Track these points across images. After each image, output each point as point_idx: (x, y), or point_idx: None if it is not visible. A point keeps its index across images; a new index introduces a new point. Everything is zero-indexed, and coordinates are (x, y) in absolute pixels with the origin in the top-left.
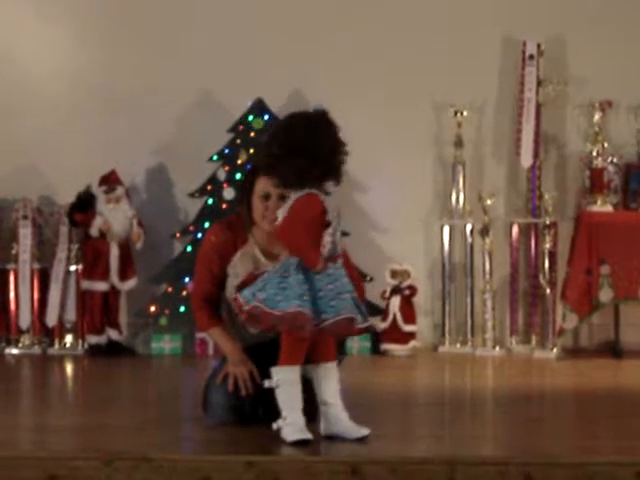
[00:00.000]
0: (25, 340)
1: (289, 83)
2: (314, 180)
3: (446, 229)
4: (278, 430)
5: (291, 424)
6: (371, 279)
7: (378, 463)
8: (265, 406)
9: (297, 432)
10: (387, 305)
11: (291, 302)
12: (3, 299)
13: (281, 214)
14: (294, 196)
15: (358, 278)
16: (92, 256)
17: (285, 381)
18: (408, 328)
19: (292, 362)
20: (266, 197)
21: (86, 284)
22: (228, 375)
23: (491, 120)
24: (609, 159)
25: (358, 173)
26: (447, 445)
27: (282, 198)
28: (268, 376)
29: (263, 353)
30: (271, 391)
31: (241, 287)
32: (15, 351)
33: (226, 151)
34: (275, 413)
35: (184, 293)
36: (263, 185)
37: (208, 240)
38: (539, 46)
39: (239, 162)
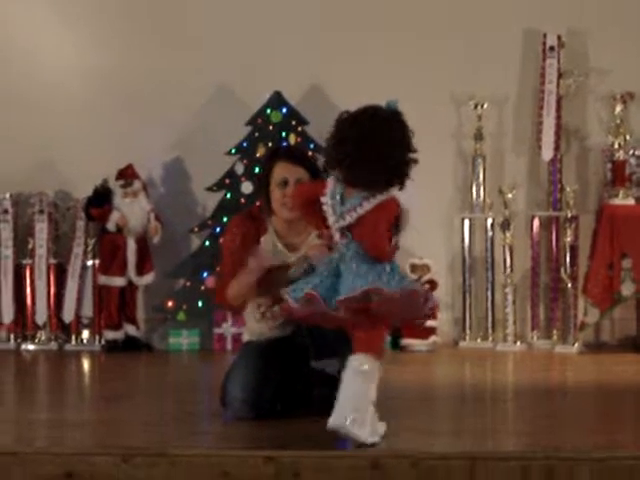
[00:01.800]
0: (42, 336)
1: (307, 76)
2: (385, 184)
3: (466, 223)
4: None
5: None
6: None
7: (398, 458)
8: (283, 401)
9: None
10: None
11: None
12: (19, 294)
13: (354, 216)
14: (371, 199)
15: None
16: (109, 251)
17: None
18: (428, 323)
19: (372, 352)
20: (284, 184)
21: (103, 279)
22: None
23: (512, 113)
24: (631, 152)
25: None
26: (468, 440)
27: (300, 183)
28: (286, 370)
29: (280, 346)
30: (290, 386)
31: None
32: (32, 347)
33: (244, 144)
34: (293, 408)
35: (202, 288)
36: (280, 171)
37: (230, 233)
38: (560, 38)
39: (257, 155)
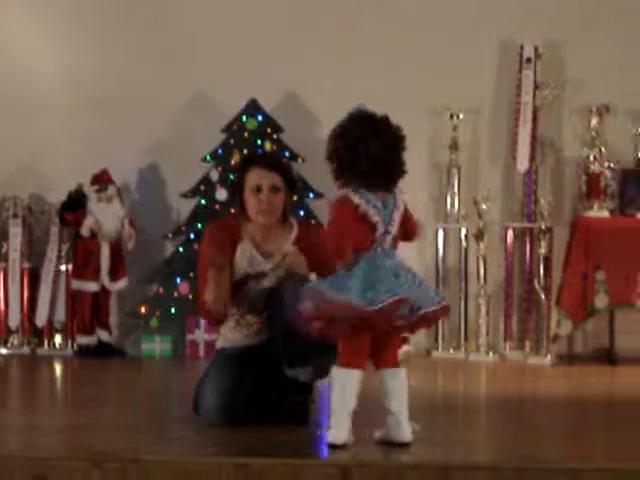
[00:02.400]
0: (14, 340)
1: (283, 84)
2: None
3: (441, 233)
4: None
5: (335, 427)
6: None
7: (368, 467)
8: (257, 408)
9: (340, 435)
10: None
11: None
12: None
13: (399, 216)
14: (397, 195)
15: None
16: (83, 256)
17: (340, 383)
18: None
19: (350, 364)
20: (258, 189)
21: (76, 284)
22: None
23: (487, 123)
24: (606, 164)
25: None
26: (439, 450)
27: (274, 189)
28: (260, 376)
29: (254, 353)
30: (264, 393)
31: (235, 286)
32: (4, 351)
33: (219, 151)
34: (267, 415)
35: (175, 294)
36: (254, 178)
37: (208, 237)
38: (536, 49)
39: (232, 163)
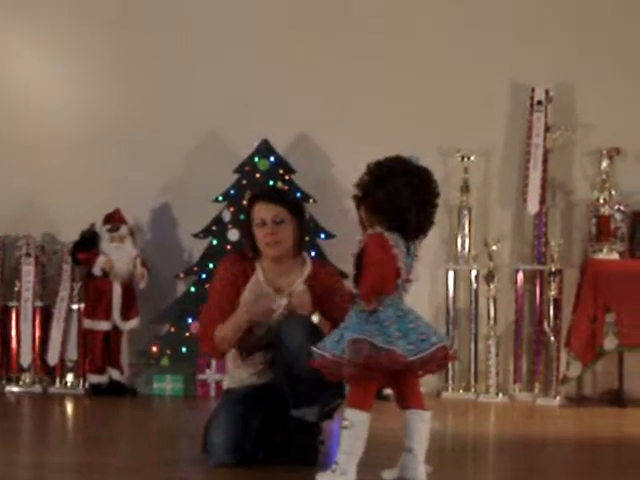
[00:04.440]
0: (26, 378)
1: (295, 125)
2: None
3: (451, 274)
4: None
5: (337, 470)
6: None
7: None
8: (265, 448)
9: (337, 477)
10: None
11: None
12: (4, 337)
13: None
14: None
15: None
16: (94, 295)
17: (353, 425)
18: None
19: (363, 406)
20: (263, 223)
21: (88, 323)
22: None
23: (498, 165)
24: (616, 207)
25: None
26: None
27: (278, 221)
28: (268, 416)
29: (261, 393)
30: (271, 433)
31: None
32: (15, 389)
33: (231, 192)
34: (275, 455)
35: (187, 334)
36: (258, 212)
37: (221, 271)
38: (547, 92)
39: (244, 203)
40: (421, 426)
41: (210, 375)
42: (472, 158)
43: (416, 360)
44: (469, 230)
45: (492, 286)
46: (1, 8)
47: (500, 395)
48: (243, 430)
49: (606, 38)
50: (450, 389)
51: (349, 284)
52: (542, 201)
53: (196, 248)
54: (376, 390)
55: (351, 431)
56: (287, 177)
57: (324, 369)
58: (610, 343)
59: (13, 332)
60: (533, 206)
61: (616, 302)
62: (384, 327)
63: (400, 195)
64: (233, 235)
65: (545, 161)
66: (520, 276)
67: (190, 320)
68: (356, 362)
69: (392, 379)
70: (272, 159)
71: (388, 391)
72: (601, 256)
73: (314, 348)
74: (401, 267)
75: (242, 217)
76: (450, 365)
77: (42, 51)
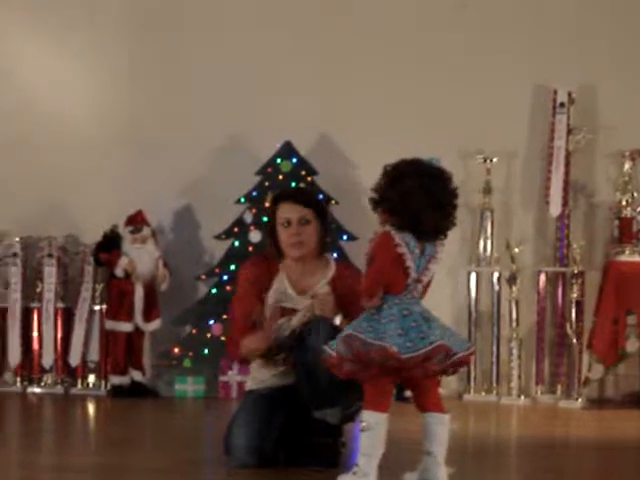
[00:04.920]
0: (48, 379)
1: (318, 126)
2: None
3: (473, 276)
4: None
5: (358, 472)
6: None
7: None
8: (287, 450)
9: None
10: None
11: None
12: (27, 338)
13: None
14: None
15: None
16: (117, 296)
17: (370, 426)
18: None
19: (379, 407)
20: (288, 223)
21: (110, 324)
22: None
23: (520, 168)
24: (638, 209)
25: None
26: None
27: (303, 221)
28: (290, 418)
29: (283, 395)
30: (293, 435)
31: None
32: (38, 390)
33: (254, 194)
34: (296, 457)
35: (208, 335)
36: (283, 213)
37: (242, 277)
38: (570, 94)
39: (266, 205)
40: (439, 429)
41: (232, 376)
42: (494, 160)
43: (412, 357)
44: (491, 232)
45: (514, 288)
46: (18, 14)
47: (522, 397)
48: (265, 432)
49: (629, 40)
50: (472, 391)
51: None
52: (564, 203)
53: (218, 250)
54: (393, 391)
55: (369, 433)
56: (309, 179)
57: (332, 367)
58: (632, 345)
59: (35, 333)
60: (555, 208)
61: (638, 304)
62: (381, 324)
63: (412, 196)
64: (255, 237)
65: (567, 163)
66: (542, 278)
67: (212, 322)
68: (349, 358)
69: (410, 381)
70: (294, 161)
71: (409, 393)
72: (623, 258)
73: (325, 347)
74: (410, 267)
75: (265, 219)
76: (472, 367)
77: (66, 59)
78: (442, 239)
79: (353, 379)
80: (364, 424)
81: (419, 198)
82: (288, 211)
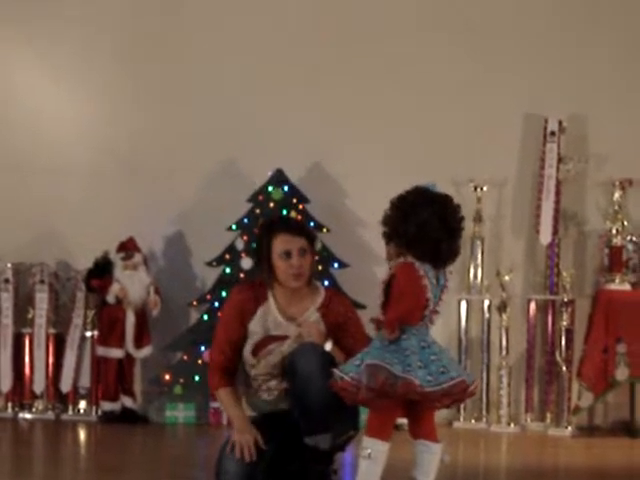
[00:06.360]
0: (39, 405)
1: (309, 155)
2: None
3: (463, 304)
4: None
5: None
6: None
7: None
8: (278, 477)
9: None
10: None
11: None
12: (18, 363)
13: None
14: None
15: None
16: (108, 322)
17: (372, 454)
18: None
19: (382, 436)
20: (287, 254)
21: (101, 350)
22: (234, 443)
23: (511, 196)
24: (628, 237)
25: (377, 246)
26: None
27: (303, 252)
28: (281, 445)
29: (276, 421)
30: (285, 462)
31: (256, 348)
32: (28, 416)
33: (245, 220)
34: None
35: (199, 362)
36: (282, 244)
37: (231, 298)
38: (560, 123)
39: (257, 231)
40: (428, 457)
41: None
42: (485, 188)
43: (433, 392)
44: (482, 260)
45: (504, 316)
46: (16, 39)
47: (512, 425)
48: (256, 459)
49: (619, 69)
50: (462, 419)
51: (362, 314)
52: (554, 232)
53: (209, 276)
54: (396, 420)
55: (370, 461)
56: (301, 206)
57: (343, 391)
58: (621, 374)
59: (26, 359)
60: (545, 236)
61: (628, 332)
62: (405, 356)
63: (430, 226)
64: (246, 263)
65: (558, 192)
66: (532, 306)
67: (203, 348)
68: (372, 387)
69: (407, 407)
70: (286, 188)
71: (402, 420)
72: (613, 286)
73: (335, 370)
74: (430, 298)
75: (254, 245)
76: None
77: (58, 81)
78: (451, 264)
79: (345, 405)
80: (366, 452)
81: (436, 227)
82: (288, 242)
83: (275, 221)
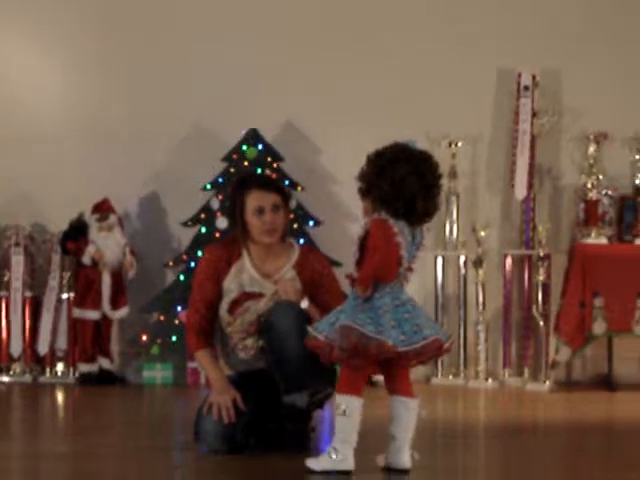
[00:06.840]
0: (16, 368)
1: (283, 114)
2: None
3: (439, 260)
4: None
5: (337, 454)
6: None
7: None
8: (256, 436)
9: (336, 463)
10: None
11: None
12: None
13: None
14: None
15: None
16: (84, 284)
17: (347, 411)
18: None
19: (355, 392)
20: (260, 211)
21: (78, 312)
22: (212, 404)
23: (485, 151)
24: (603, 191)
25: (351, 203)
26: (439, 477)
27: (276, 208)
28: (259, 404)
29: (253, 380)
30: (263, 420)
31: (232, 306)
32: (6, 379)
33: (220, 180)
34: (266, 442)
35: (176, 322)
36: (255, 200)
37: (204, 258)
38: (534, 77)
39: (230, 189)
40: (406, 413)
41: None
42: (459, 144)
43: (406, 351)
44: (457, 216)
45: (480, 272)
46: None
47: (489, 380)
48: (235, 419)
49: (592, 23)
50: (439, 375)
51: (338, 272)
52: (530, 186)
53: (185, 236)
54: (368, 376)
55: (345, 417)
56: (275, 165)
57: (317, 350)
58: (599, 328)
59: (3, 322)
60: (521, 192)
61: (604, 287)
62: (378, 316)
63: (405, 183)
64: (222, 223)
65: (532, 147)
66: (508, 261)
67: (179, 308)
68: (345, 348)
69: (382, 364)
70: (260, 147)
71: (377, 377)
72: (589, 241)
73: (309, 328)
74: (403, 256)
75: (227, 203)
76: None
77: (32, 48)
78: (428, 222)
79: (321, 364)
80: (342, 408)
81: (412, 184)
82: (261, 198)
83: (247, 178)
